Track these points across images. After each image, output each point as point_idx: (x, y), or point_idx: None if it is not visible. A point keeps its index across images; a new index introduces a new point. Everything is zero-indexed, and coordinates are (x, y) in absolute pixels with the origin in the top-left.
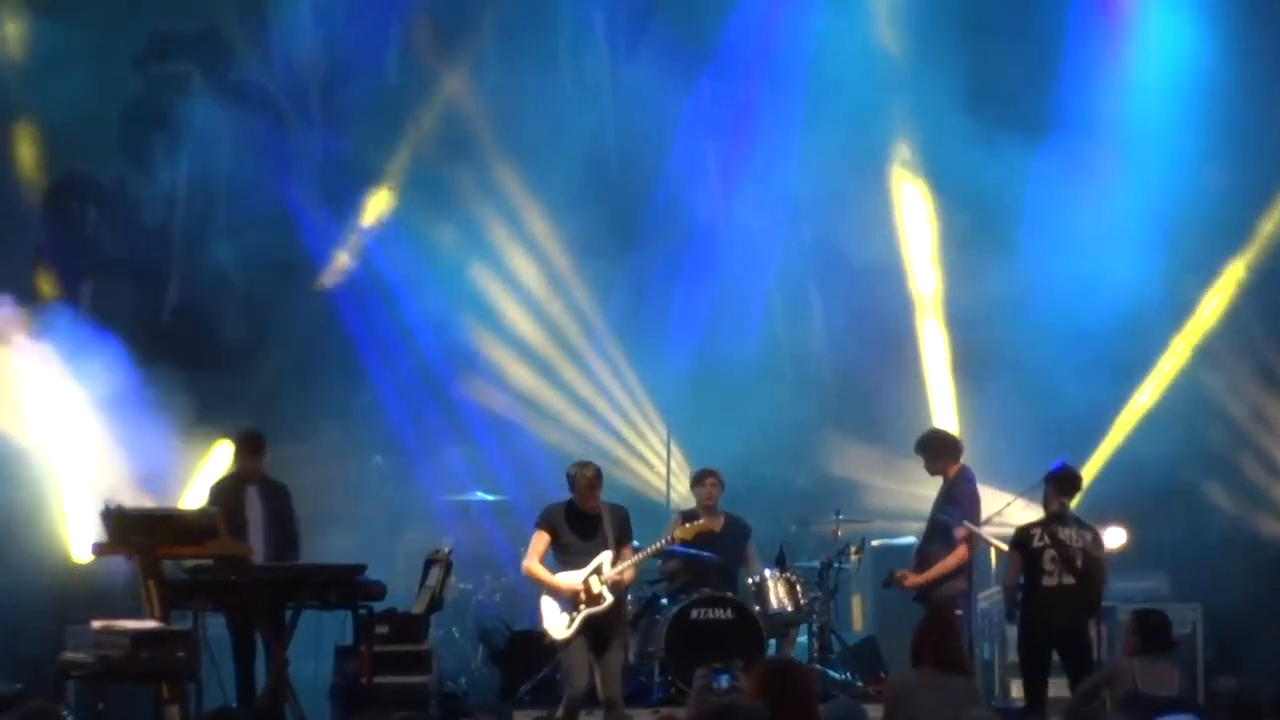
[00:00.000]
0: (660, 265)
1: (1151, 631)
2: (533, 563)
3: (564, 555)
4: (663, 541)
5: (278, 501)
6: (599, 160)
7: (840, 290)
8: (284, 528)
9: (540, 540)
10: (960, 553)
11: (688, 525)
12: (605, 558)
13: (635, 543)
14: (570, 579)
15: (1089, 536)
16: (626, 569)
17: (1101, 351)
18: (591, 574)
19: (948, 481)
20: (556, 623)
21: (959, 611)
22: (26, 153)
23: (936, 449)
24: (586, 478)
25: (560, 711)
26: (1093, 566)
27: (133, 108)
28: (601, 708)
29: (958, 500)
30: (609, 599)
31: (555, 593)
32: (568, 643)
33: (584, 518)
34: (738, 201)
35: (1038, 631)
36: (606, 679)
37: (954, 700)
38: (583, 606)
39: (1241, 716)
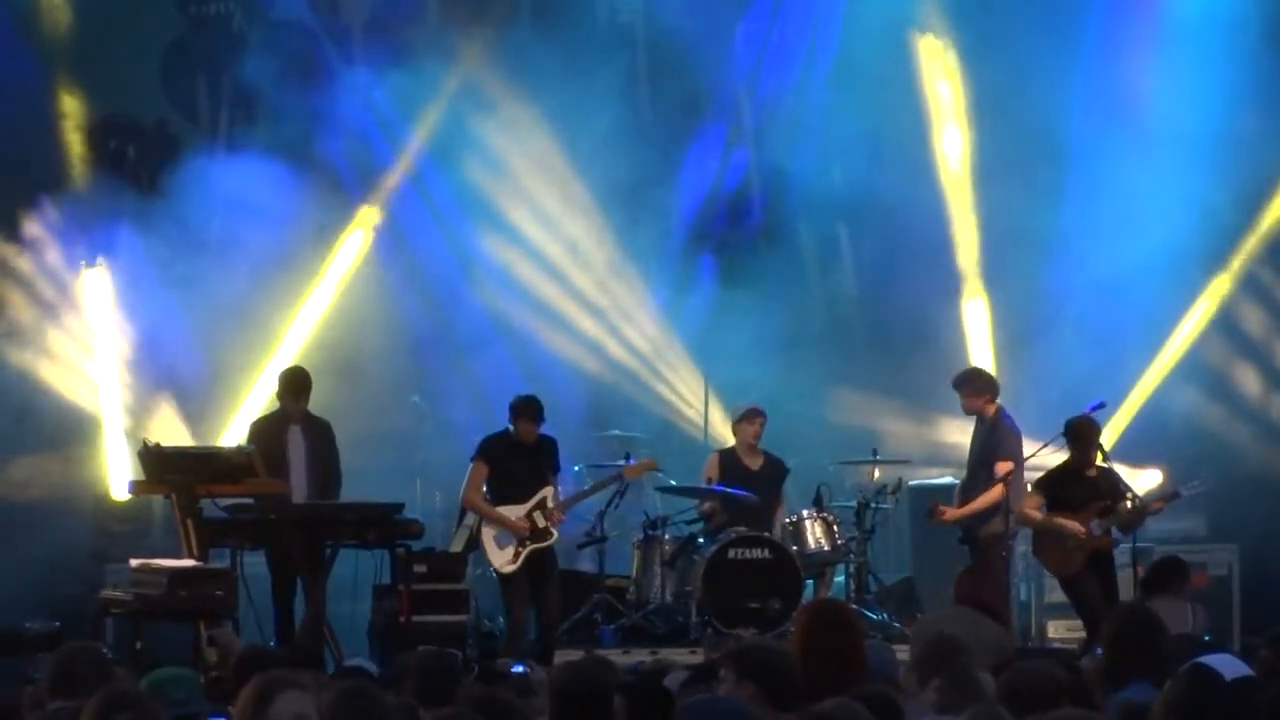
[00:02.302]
0: (692, 206)
1: (1151, 575)
2: (474, 494)
3: (503, 488)
4: (609, 479)
5: (320, 439)
6: (630, 100)
7: (872, 231)
8: (326, 466)
9: (479, 472)
10: (999, 489)
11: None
12: (548, 492)
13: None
14: (514, 513)
15: None
16: (569, 504)
17: (1142, 293)
18: (535, 509)
19: (987, 421)
20: (500, 556)
21: (1004, 553)
22: (68, 93)
23: (976, 384)
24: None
25: (510, 637)
26: None
27: (174, 48)
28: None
29: (1000, 438)
30: (554, 535)
31: (498, 525)
32: (511, 577)
33: (522, 449)
34: (769, 139)
35: None
36: (547, 608)
37: (982, 644)
38: (528, 541)
39: None
